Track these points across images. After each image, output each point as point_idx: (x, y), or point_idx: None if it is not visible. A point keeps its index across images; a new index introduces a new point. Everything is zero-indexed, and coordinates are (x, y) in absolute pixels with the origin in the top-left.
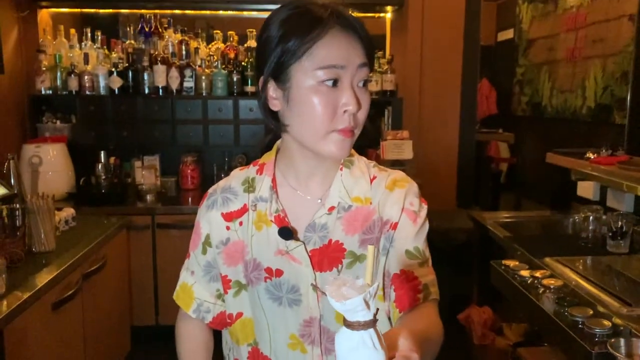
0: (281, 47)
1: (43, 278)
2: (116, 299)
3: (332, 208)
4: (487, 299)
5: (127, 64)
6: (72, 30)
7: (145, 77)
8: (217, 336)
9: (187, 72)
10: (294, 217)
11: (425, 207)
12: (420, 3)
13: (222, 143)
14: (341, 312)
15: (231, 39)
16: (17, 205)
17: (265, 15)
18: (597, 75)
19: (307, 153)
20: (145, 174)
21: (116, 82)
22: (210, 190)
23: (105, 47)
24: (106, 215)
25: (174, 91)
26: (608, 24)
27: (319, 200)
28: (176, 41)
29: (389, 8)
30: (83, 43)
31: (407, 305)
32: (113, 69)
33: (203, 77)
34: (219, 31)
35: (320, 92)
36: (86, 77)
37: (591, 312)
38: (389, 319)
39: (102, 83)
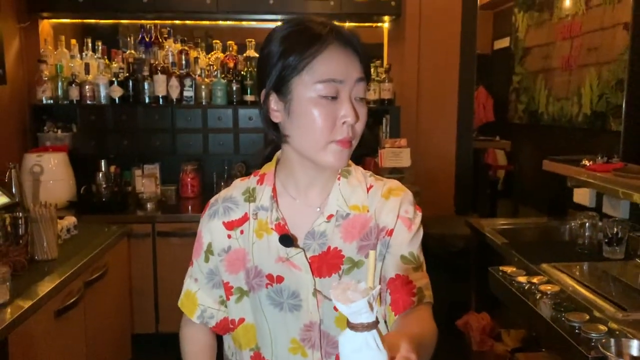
0: (282, 62)
1: (46, 286)
2: (117, 307)
3: (330, 216)
4: (485, 306)
5: (127, 74)
6: (73, 41)
7: (146, 86)
8: (219, 341)
9: (187, 82)
10: (294, 225)
11: (419, 214)
12: (417, 13)
13: (221, 151)
14: (346, 314)
15: (230, 48)
16: (20, 214)
17: (264, 25)
18: (592, 83)
19: (306, 163)
20: (146, 182)
21: (117, 92)
22: (212, 200)
23: (105, 57)
24: (107, 223)
25: (174, 100)
26: (603, 32)
27: (318, 209)
28: (176, 51)
29: (386, 18)
30: (84, 53)
31: (402, 308)
32: (114, 79)
33: (203, 87)
34: (218, 41)
35: (320, 105)
36: (87, 86)
37: (587, 317)
38: (385, 322)
39: (102, 93)
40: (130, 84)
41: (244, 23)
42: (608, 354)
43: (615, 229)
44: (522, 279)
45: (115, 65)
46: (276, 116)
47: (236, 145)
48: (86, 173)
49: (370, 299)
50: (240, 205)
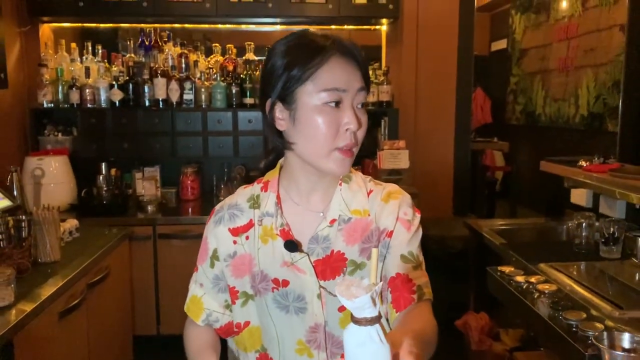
0: (287, 74)
1: (49, 288)
2: (119, 309)
3: (333, 220)
4: (484, 306)
5: (127, 77)
6: (73, 45)
7: (146, 90)
8: (222, 343)
9: (187, 85)
10: (298, 231)
11: (418, 216)
12: (414, 15)
13: (221, 154)
14: (350, 309)
15: (229, 51)
16: (23, 217)
17: (262, 28)
18: (589, 84)
19: (309, 169)
20: (146, 185)
21: (117, 95)
22: (217, 207)
23: (105, 60)
24: (108, 226)
25: (174, 103)
26: (599, 33)
27: (321, 214)
28: (176, 54)
29: (384, 21)
30: (84, 57)
31: (403, 305)
32: (114, 82)
33: (202, 90)
34: (217, 44)
35: (324, 112)
36: (87, 90)
37: (584, 315)
38: (387, 320)
39: (103, 96)
40: (131, 87)
41: (243, 26)
42: (601, 346)
43: (612, 229)
44: (520, 278)
45: (115, 68)
46: (281, 124)
47: (236, 147)
48: (87, 176)
49: (373, 295)
50: (245, 212)
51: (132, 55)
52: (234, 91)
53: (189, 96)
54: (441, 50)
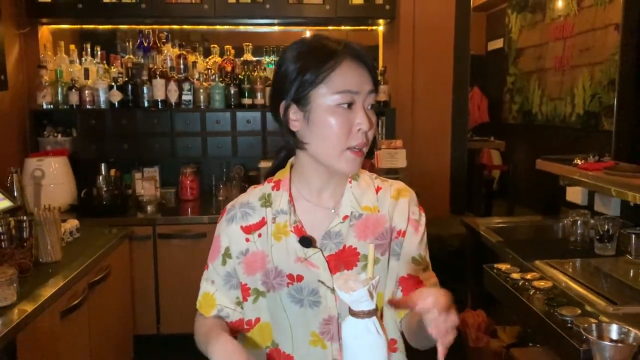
0: (300, 77)
1: (51, 287)
2: (119, 308)
3: (346, 217)
4: (480, 303)
5: (126, 79)
6: (72, 46)
7: (145, 90)
8: None
9: (186, 86)
10: (310, 227)
11: (423, 215)
12: (411, 15)
13: (220, 154)
14: (347, 302)
15: (227, 52)
16: (25, 217)
17: (260, 29)
18: (585, 83)
19: (320, 168)
20: (146, 185)
21: (116, 96)
22: (228, 206)
23: (104, 62)
24: (108, 226)
25: (173, 104)
26: (595, 33)
27: (333, 210)
28: (174, 55)
29: (381, 21)
30: (83, 58)
31: None
32: (113, 84)
33: (201, 90)
34: (215, 45)
35: (337, 113)
36: (86, 91)
37: (579, 311)
38: (399, 322)
39: (102, 97)
40: (129, 88)
41: (241, 27)
42: (590, 337)
43: (607, 226)
44: (516, 275)
45: (114, 70)
46: (295, 125)
47: (234, 148)
48: (87, 177)
49: (370, 288)
50: (257, 210)
51: (131, 56)
52: (232, 92)
53: (187, 97)
54: (438, 50)
